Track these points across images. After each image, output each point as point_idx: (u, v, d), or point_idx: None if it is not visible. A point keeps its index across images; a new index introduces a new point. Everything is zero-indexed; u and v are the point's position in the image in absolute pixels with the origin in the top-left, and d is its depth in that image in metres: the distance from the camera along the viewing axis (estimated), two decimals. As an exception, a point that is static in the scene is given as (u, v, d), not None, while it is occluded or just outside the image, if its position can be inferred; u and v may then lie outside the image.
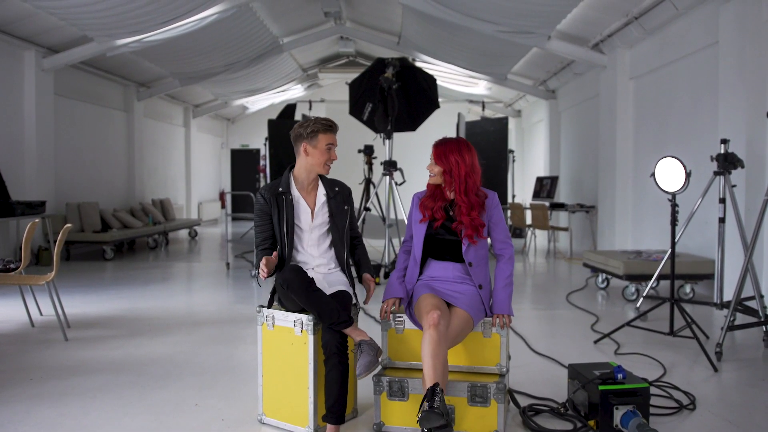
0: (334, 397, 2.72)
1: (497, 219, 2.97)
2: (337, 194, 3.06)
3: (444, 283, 2.93)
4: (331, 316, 2.71)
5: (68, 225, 4.72)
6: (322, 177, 3.09)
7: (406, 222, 3.07)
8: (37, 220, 4.85)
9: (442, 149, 2.93)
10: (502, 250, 3.01)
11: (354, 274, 3.18)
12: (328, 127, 2.99)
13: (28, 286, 5.21)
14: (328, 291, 2.91)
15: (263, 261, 2.80)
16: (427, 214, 2.94)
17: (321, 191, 3.05)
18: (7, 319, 5.28)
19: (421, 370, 2.92)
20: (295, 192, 3.02)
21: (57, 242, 4.63)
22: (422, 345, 2.63)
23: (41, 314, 5.30)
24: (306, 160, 2.99)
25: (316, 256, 3.01)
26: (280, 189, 3.00)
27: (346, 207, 3.07)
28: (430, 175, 2.99)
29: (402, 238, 3.37)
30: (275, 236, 3.01)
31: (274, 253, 2.89)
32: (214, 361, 4.07)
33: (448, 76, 12.63)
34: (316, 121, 3.00)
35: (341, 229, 3.03)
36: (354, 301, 3.03)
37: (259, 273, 2.81)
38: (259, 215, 3.02)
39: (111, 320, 5.29)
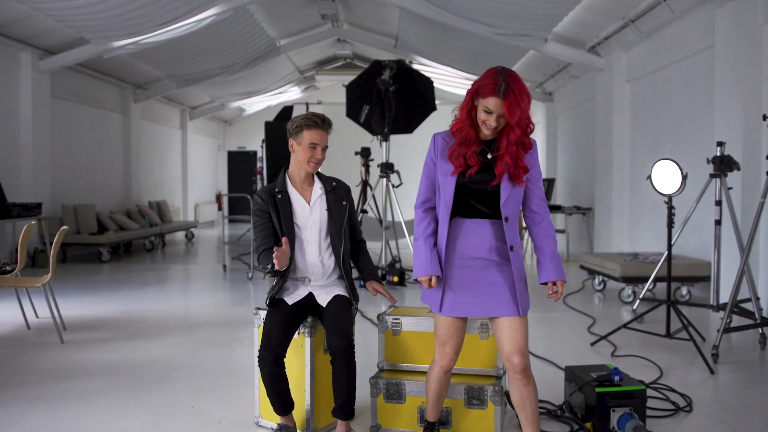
0: (343, 395, 2.73)
1: (537, 175, 2.43)
2: (335, 188, 3.01)
3: (477, 272, 2.41)
4: (274, 405, 2.78)
5: (64, 227, 4.71)
6: (318, 173, 3.04)
7: (421, 177, 2.52)
8: (33, 222, 4.83)
9: (513, 99, 2.24)
10: (540, 207, 2.44)
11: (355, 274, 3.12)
12: (314, 123, 2.87)
13: (24, 288, 5.20)
14: (327, 299, 2.90)
15: (276, 253, 2.64)
16: (459, 163, 2.36)
17: (317, 185, 3.01)
18: (2, 321, 5.26)
19: (418, 372, 2.94)
20: (291, 190, 2.99)
21: (53, 244, 4.61)
22: (429, 378, 2.60)
23: (37, 316, 5.29)
24: (294, 157, 2.96)
25: (316, 258, 2.94)
26: (277, 189, 2.97)
27: (344, 203, 3.00)
28: (486, 124, 2.32)
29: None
30: (276, 234, 2.96)
31: (284, 240, 2.70)
32: (211, 364, 4.06)
33: (445, 78, 12.64)
34: (304, 116, 2.90)
35: (339, 225, 2.96)
36: (354, 305, 2.98)
37: (272, 266, 2.71)
38: (258, 214, 2.97)
39: (107, 323, 5.28)
